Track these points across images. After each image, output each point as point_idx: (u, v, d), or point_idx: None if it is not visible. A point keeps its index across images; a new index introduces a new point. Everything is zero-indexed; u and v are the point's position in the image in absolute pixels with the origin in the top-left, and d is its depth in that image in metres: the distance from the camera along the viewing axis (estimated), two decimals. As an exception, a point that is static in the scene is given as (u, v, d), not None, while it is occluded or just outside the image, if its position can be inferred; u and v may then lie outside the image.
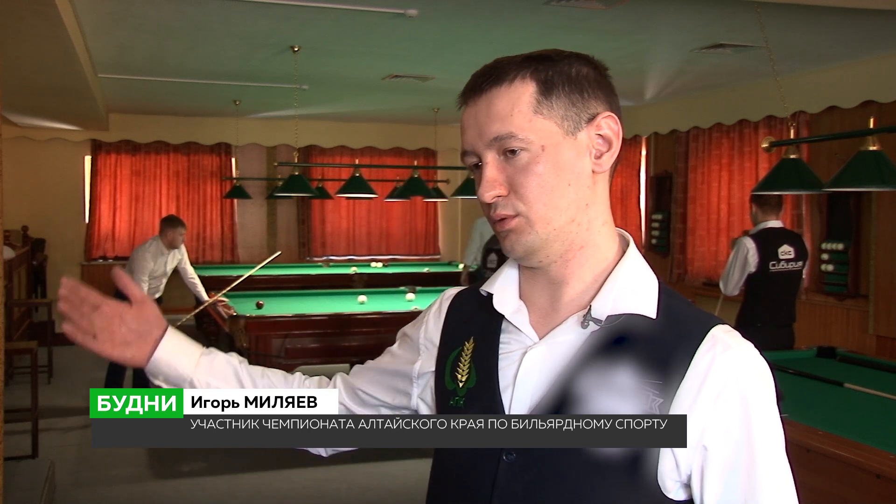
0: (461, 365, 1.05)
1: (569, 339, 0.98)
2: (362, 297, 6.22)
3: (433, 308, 1.16)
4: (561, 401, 0.95)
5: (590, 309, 0.97)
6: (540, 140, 0.94)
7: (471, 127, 0.98)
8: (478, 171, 0.99)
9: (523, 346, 1.01)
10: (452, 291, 1.16)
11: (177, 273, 6.13)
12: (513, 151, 0.95)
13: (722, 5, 4.42)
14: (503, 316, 1.04)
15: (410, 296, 6.49)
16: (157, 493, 4.28)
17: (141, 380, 5.87)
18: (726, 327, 0.96)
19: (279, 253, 7.17)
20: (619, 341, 0.95)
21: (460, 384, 1.03)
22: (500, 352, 1.02)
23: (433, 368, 1.10)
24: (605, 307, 0.97)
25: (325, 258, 10.56)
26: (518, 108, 0.95)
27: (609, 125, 0.98)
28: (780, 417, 0.95)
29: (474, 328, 1.07)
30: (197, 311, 6.61)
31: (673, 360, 0.93)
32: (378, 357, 1.22)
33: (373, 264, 9.56)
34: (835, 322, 6.18)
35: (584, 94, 0.97)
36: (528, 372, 0.98)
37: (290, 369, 5.48)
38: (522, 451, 0.95)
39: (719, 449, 0.91)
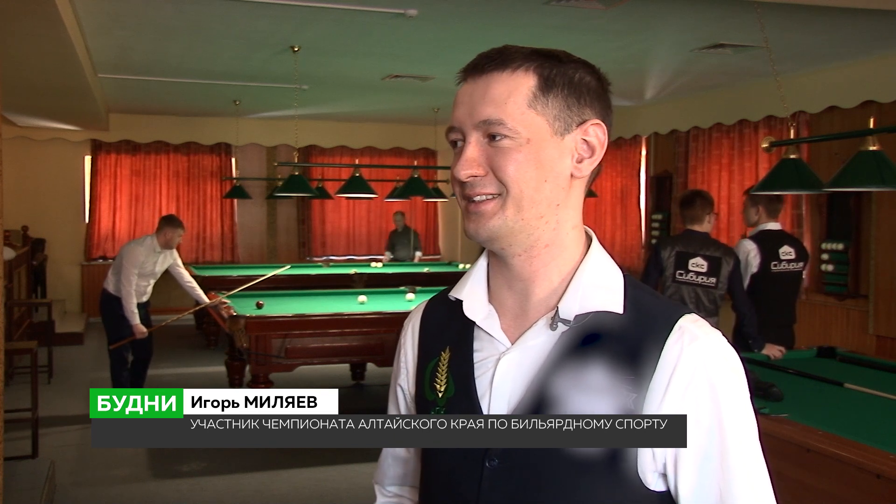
0: (439, 375, 1.05)
1: (539, 342, 0.98)
2: (362, 297, 6.21)
3: (406, 334, 1.15)
4: (537, 404, 0.95)
5: (557, 310, 0.97)
6: (527, 133, 0.95)
7: (464, 104, 0.98)
8: (458, 149, 0.99)
9: (496, 352, 1.01)
10: (420, 307, 1.16)
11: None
12: (497, 137, 0.95)
13: (722, 5, 4.41)
14: (474, 322, 1.03)
15: (410, 296, 6.49)
16: (157, 493, 4.28)
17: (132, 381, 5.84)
18: (693, 317, 0.97)
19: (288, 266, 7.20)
20: (588, 340, 0.96)
21: (440, 394, 1.03)
22: (474, 359, 1.02)
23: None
24: (572, 307, 0.97)
25: (325, 258, 10.56)
26: (514, 97, 0.95)
27: (596, 133, 0.98)
28: (754, 407, 0.96)
29: (449, 337, 1.06)
30: (193, 310, 6.59)
31: (643, 354, 0.94)
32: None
33: (373, 264, 9.55)
34: (835, 322, 6.18)
35: (580, 101, 0.98)
36: (502, 378, 0.99)
37: (290, 369, 5.44)
38: (504, 457, 0.96)
39: (691, 438, 0.92)
